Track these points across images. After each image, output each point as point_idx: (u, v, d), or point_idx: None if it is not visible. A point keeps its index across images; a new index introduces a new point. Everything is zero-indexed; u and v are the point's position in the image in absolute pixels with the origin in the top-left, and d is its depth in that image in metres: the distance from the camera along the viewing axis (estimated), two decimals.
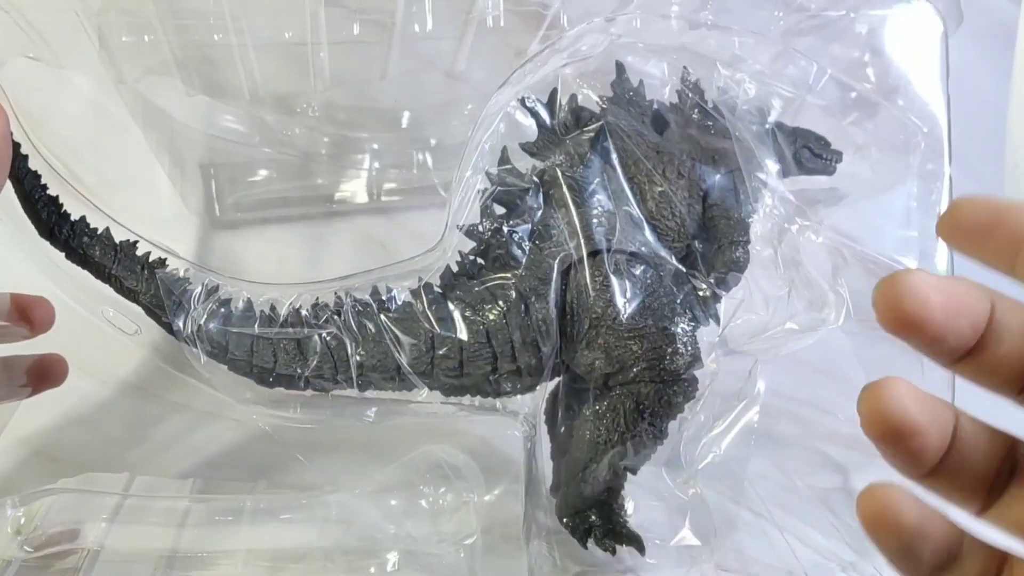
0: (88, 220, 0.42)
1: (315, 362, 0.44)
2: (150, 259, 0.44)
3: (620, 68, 0.47)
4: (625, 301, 0.43)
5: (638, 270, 0.44)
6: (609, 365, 0.44)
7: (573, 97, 0.46)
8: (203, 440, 0.54)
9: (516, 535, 0.49)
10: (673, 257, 0.46)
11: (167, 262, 0.44)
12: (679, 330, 0.44)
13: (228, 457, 0.54)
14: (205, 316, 0.43)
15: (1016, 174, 0.36)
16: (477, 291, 0.45)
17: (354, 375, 0.44)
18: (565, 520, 0.48)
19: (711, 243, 0.46)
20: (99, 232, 0.42)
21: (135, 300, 0.44)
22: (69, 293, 0.44)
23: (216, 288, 0.44)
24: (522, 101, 0.45)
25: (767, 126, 0.47)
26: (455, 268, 0.46)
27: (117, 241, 0.43)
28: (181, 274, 0.44)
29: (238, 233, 0.47)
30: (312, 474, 0.52)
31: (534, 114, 0.45)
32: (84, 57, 0.43)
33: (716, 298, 0.47)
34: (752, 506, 0.55)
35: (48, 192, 0.41)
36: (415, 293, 0.45)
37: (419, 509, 0.51)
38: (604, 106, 0.46)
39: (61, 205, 0.42)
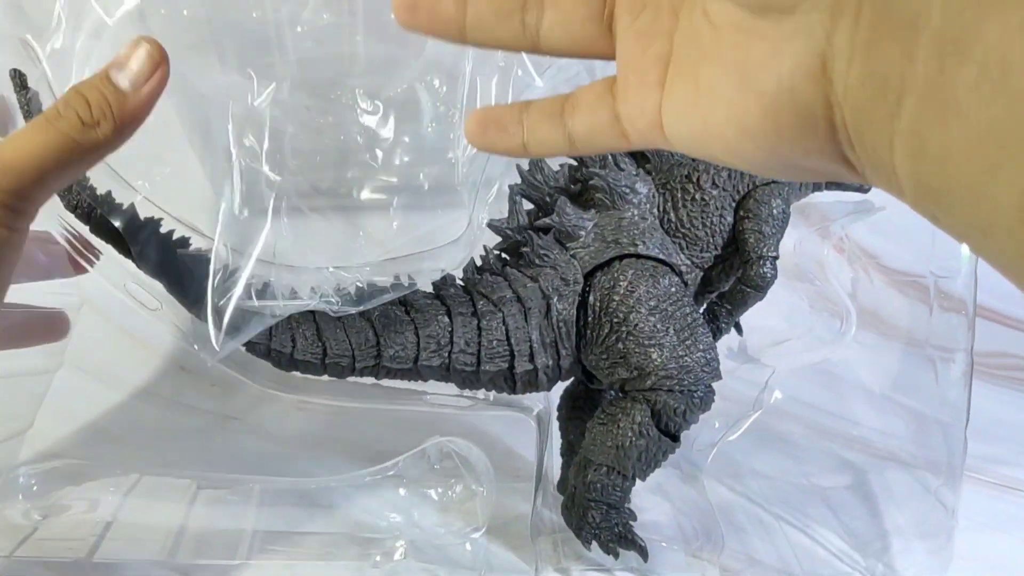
0: (114, 195, 0.42)
1: (334, 348, 0.43)
2: (173, 237, 0.43)
3: None
4: (648, 308, 0.43)
5: (663, 278, 0.44)
6: (627, 371, 0.43)
7: None
8: (206, 437, 0.54)
9: (524, 531, 0.49)
10: (700, 267, 0.45)
11: (190, 241, 0.44)
12: (699, 342, 0.43)
13: (235, 454, 0.54)
14: (224, 297, 0.43)
15: None
16: (499, 288, 0.44)
17: (371, 364, 0.44)
18: (570, 520, 0.47)
19: (739, 256, 0.45)
20: (124, 207, 0.42)
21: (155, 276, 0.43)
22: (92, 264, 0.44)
23: (237, 270, 0.44)
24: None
25: None
26: (479, 263, 0.46)
27: (142, 217, 0.43)
28: (204, 253, 0.44)
29: (266, 220, 0.47)
30: (319, 467, 0.52)
31: None
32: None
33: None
34: (757, 505, 0.55)
35: None
36: (436, 285, 0.45)
37: (428, 500, 0.51)
38: None
39: (88, 179, 0.41)
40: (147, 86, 0.33)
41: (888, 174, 0.21)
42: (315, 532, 0.49)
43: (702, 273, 0.45)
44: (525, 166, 0.46)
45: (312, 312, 0.44)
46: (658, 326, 0.43)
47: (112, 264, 0.45)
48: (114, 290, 0.45)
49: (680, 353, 0.43)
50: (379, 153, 0.49)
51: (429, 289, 0.46)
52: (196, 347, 0.44)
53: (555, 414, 0.50)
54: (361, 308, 0.43)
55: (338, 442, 0.54)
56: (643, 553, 0.46)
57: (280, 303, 0.42)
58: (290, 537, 0.49)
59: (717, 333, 0.46)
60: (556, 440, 0.51)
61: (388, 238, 0.47)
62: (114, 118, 0.32)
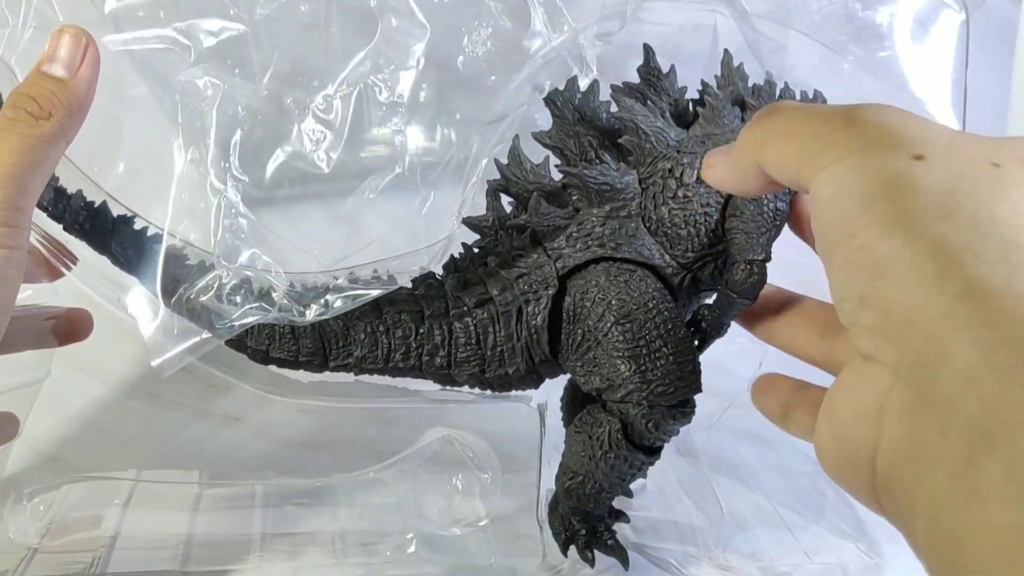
0: (85, 195, 0.40)
1: (307, 348, 0.42)
2: (148, 234, 0.41)
3: (648, 52, 0.44)
4: (617, 317, 0.40)
5: (639, 283, 0.41)
6: (600, 381, 0.41)
7: (594, 85, 0.43)
8: (207, 439, 0.54)
9: (531, 517, 0.50)
10: (687, 268, 0.42)
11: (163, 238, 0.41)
12: (676, 353, 0.41)
13: (235, 454, 0.54)
14: (197, 292, 0.41)
15: None
16: (472, 289, 0.42)
17: (344, 363, 0.43)
18: (552, 524, 0.46)
19: (727, 257, 0.42)
20: (95, 204, 0.40)
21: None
22: (83, 280, 0.43)
23: (212, 266, 0.42)
24: (538, 89, 0.43)
25: None
26: (458, 260, 0.44)
27: (114, 215, 0.41)
28: (179, 249, 0.41)
29: (259, 212, 0.46)
30: (322, 467, 0.52)
31: (548, 102, 0.42)
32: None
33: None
34: (753, 496, 0.56)
35: None
36: (414, 283, 0.43)
37: (434, 492, 0.51)
38: (618, 97, 0.42)
39: (57, 179, 0.39)
40: (83, 68, 0.35)
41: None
42: (323, 531, 0.49)
43: (690, 274, 0.42)
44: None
45: None
46: (628, 336, 0.40)
47: (97, 276, 0.44)
48: (103, 302, 0.44)
49: (650, 366, 0.40)
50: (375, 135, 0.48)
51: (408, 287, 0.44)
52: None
53: (557, 404, 0.50)
54: (329, 316, 0.41)
55: (341, 442, 0.54)
56: (623, 559, 0.45)
57: (236, 311, 0.40)
58: (297, 537, 0.49)
59: (704, 341, 0.43)
60: (555, 433, 0.51)
61: (391, 227, 0.46)
62: (63, 105, 0.34)
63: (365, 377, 0.45)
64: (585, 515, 0.45)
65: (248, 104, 0.46)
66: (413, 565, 0.47)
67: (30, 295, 0.44)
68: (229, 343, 0.42)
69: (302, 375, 0.45)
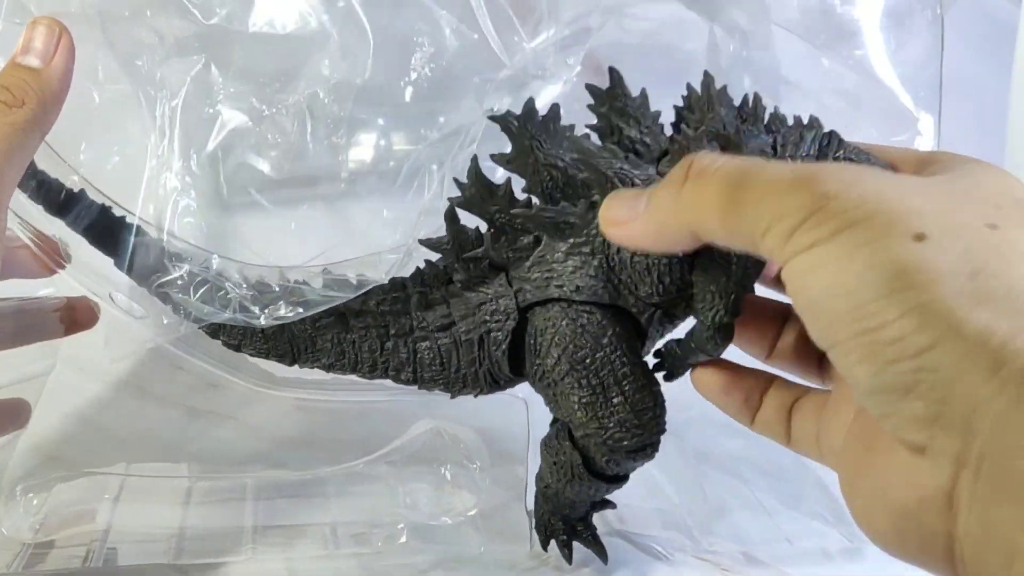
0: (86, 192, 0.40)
1: (277, 348, 0.42)
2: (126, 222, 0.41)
3: (613, 76, 0.41)
4: (572, 363, 0.39)
5: (598, 327, 0.39)
6: (562, 415, 0.41)
7: (554, 109, 0.40)
8: (201, 435, 0.54)
9: (520, 505, 0.50)
10: (652, 307, 0.39)
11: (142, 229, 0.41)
12: (635, 401, 0.39)
13: (228, 449, 0.54)
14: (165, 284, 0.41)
15: (1016, 175, 0.38)
16: (437, 309, 0.41)
17: (312, 365, 0.43)
18: (534, 517, 0.47)
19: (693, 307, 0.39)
20: (75, 192, 0.40)
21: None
22: (75, 277, 0.43)
23: (182, 256, 0.41)
24: (492, 117, 0.40)
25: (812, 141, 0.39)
26: (425, 274, 0.42)
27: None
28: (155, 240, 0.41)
29: (244, 216, 0.47)
30: (314, 463, 0.53)
31: (504, 127, 0.40)
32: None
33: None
34: (734, 483, 0.58)
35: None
36: (383, 294, 0.42)
37: (423, 482, 0.52)
38: (574, 139, 0.39)
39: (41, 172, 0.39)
40: (56, 58, 0.35)
41: None
42: (314, 523, 0.50)
43: (660, 310, 0.39)
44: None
45: None
46: (583, 383, 0.39)
47: (89, 272, 0.44)
48: (96, 298, 0.45)
49: (605, 414, 0.39)
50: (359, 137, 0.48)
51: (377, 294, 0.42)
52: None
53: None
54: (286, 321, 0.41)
55: (330, 436, 0.55)
56: (602, 554, 0.46)
57: (196, 308, 0.40)
58: (289, 530, 0.49)
59: (672, 375, 0.41)
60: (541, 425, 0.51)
61: (380, 228, 0.47)
62: (36, 92, 0.34)
63: None
64: (563, 516, 0.46)
65: (212, 105, 0.47)
66: (404, 555, 0.48)
67: (50, 291, 0.45)
68: (203, 330, 0.42)
69: (293, 371, 0.45)
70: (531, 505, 0.49)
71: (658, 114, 0.41)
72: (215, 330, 0.42)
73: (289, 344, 0.42)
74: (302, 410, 0.53)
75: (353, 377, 0.44)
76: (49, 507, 0.46)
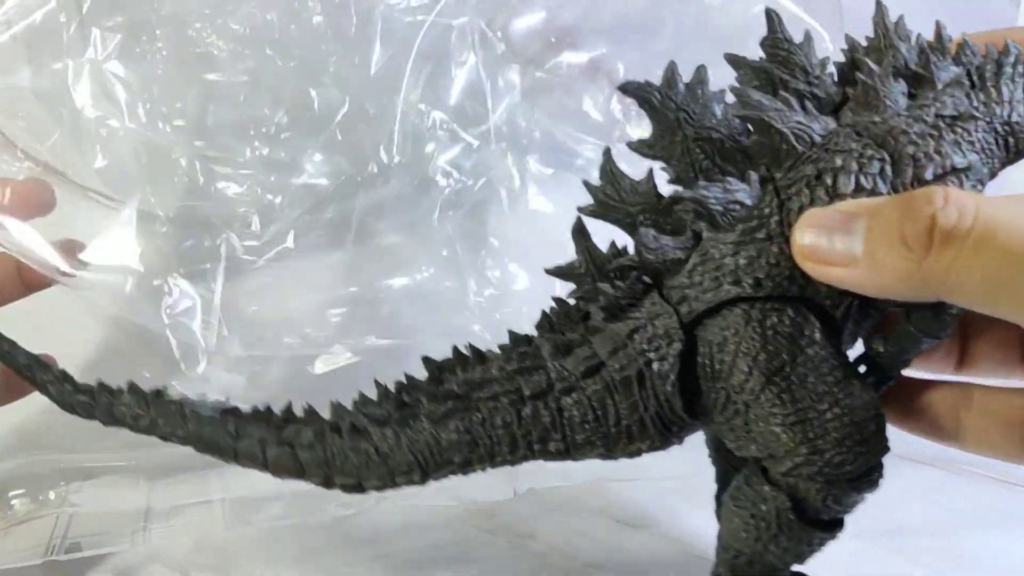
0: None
1: (401, 467, 0.34)
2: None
3: (772, 19, 0.35)
4: (767, 374, 0.32)
5: (792, 326, 0.32)
6: (757, 449, 0.33)
7: (700, 72, 0.34)
8: None
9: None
10: (846, 296, 0.32)
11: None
12: (849, 411, 0.32)
13: None
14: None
15: (1014, 174, 0.38)
16: (577, 352, 0.33)
17: (446, 472, 0.35)
18: None
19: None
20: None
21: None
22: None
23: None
24: (624, 88, 0.34)
25: None
26: (553, 318, 0.35)
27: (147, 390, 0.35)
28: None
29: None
30: None
31: (642, 101, 0.34)
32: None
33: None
34: None
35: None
36: (505, 354, 0.35)
37: None
38: (739, 90, 0.33)
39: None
40: None
41: None
42: (275, 492, 0.49)
43: (856, 299, 0.32)
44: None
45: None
46: (785, 398, 0.32)
47: None
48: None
49: (819, 432, 0.32)
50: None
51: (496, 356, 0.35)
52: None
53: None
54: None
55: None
56: None
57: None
58: (260, 503, 0.50)
59: (882, 382, 0.35)
60: None
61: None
62: None
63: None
64: None
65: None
66: (380, 510, 0.48)
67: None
68: (313, 480, 0.35)
69: None
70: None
71: (826, 60, 0.35)
72: (327, 478, 0.34)
73: (411, 455, 0.34)
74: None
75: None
76: (10, 493, 0.47)
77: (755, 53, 0.35)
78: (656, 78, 0.34)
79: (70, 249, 0.43)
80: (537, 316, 0.35)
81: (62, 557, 0.44)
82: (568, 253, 0.34)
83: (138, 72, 0.45)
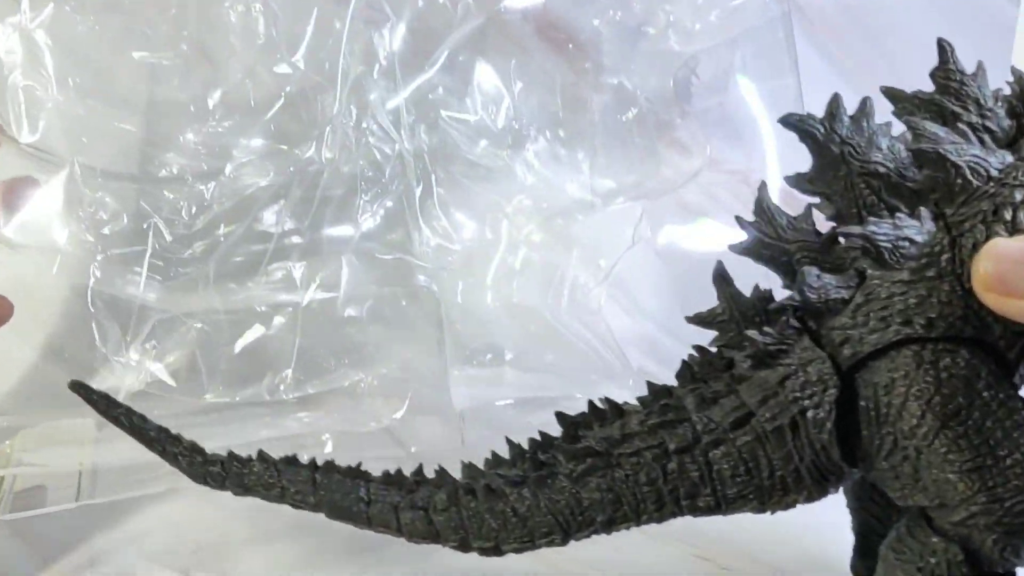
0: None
1: (541, 529, 0.34)
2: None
3: (944, 49, 0.33)
4: (941, 418, 0.30)
5: (967, 368, 0.31)
6: (926, 498, 0.32)
7: (865, 103, 0.33)
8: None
9: (446, 404, 0.50)
10: (1015, 347, 0.31)
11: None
12: None
13: None
14: None
15: None
16: (724, 402, 0.33)
17: (588, 532, 0.35)
18: None
19: None
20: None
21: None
22: None
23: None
24: (785, 120, 0.33)
25: None
26: (695, 368, 0.34)
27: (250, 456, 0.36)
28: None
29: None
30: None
31: (804, 135, 0.33)
32: None
33: None
34: None
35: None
36: (644, 404, 0.34)
37: (342, 394, 0.51)
38: (913, 122, 0.32)
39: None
40: None
41: None
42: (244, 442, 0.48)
43: None
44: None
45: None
46: (962, 444, 0.31)
47: None
48: None
49: (999, 480, 0.31)
50: None
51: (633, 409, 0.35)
52: None
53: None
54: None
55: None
56: None
57: None
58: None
59: None
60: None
61: None
62: None
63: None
64: None
65: None
66: None
67: None
68: (449, 544, 0.35)
69: None
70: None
71: (998, 91, 0.34)
72: (464, 542, 0.35)
73: (551, 516, 0.34)
74: None
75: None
76: None
77: None
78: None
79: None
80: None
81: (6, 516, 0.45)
82: None
83: (68, 43, 0.44)
